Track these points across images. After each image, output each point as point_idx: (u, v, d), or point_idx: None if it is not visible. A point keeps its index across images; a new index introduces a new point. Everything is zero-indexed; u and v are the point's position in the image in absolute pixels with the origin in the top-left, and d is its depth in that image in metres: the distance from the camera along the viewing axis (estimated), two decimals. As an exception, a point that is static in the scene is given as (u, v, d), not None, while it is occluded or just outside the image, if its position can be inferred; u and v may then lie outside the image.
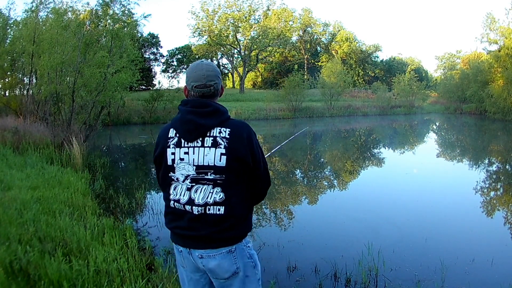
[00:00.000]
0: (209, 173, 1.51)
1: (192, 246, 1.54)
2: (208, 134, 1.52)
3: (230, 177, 1.51)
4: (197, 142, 1.52)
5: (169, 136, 1.59)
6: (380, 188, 7.55)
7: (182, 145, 1.54)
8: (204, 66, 1.58)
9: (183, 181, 1.54)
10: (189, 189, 1.53)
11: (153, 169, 10.77)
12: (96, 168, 8.67)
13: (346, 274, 3.50)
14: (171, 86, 34.74)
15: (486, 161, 11.42)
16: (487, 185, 7.88)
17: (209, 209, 1.50)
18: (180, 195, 1.54)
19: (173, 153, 1.56)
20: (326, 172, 9.80)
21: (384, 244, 4.16)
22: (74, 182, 6.20)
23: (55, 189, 5.50)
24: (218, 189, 1.51)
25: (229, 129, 1.52)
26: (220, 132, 1.51)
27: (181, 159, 1.54)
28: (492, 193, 7.32)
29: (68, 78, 11.17)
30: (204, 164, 1.51)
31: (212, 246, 1.52)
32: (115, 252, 3.40)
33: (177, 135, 1.56)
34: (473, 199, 6.55)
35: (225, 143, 1.50)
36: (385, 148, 14.93)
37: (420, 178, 8.53)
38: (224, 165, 1.49)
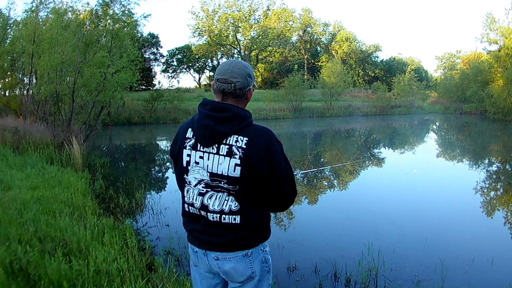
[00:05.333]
0: (222, 182, 1.45)
1: (208, 248, 1.54)
2: (224, 142, 1.44)
3: (245, 188, 1.45)
4: (213, 148, 1.46)
5: (186, 136, 1.53)
6: (380, 188, 7.55)
7: (198, 149, 1.49)
8: (234, 63, 1.50)
9: (195, 185, 1.50)
10: (201, 195, 1.49)
11: (153, 169, 10.79)
12: (96, 168, 8.67)
13: (346, 274, 3.50)
14: (171, 86, 34.97)
15: (486, 161, 11.42)
16: (487, 185, 7.88)
17: (224, 218, 1.47)
18: (193, 199, 1.51)
19: (188, 155, 1.51)
20: (326, 172, 9.80)
21: (384, 244, 4.16)
22: (74, 182, 6.21)
23: (55, 189, 5.50)
24: (232, 198, 1.46)
25: (247, 138, 1.43)
26: (236, 141, 1.43)
27: (196, 163, 1.49)
28: (492, 193, 7.32)
29: (68, 78, 11.18)
30: (218, 172, 1.45)
31: (228, 250, 1.50)
32: (115, 252, 3.40)
33: (194, 137, 1.51)
34: (473, 199, 6.55)
35: (241, 154, 1.42)
36: (385, 148, 14.93)
37: (420, 178, 8.53)
38: (238, 176, 1.43)
